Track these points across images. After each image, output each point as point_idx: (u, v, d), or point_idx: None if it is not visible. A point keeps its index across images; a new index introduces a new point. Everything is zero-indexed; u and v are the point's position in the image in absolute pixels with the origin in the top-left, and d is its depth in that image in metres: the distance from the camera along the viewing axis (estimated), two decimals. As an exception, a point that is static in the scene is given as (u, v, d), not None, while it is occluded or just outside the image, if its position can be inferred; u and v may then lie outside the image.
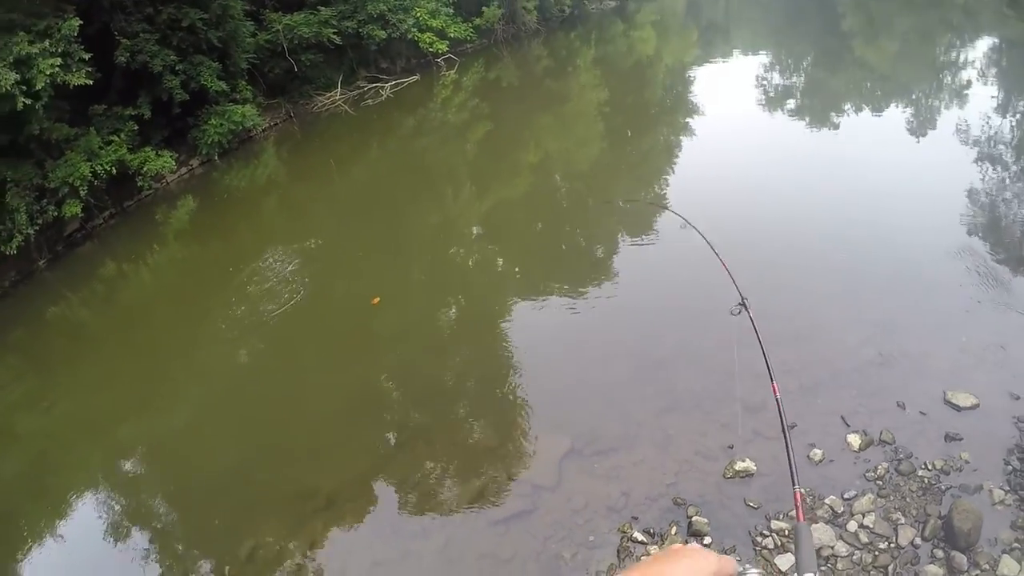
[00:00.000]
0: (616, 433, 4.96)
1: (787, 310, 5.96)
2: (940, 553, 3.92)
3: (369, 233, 10.88)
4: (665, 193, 9.85)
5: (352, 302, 8.88)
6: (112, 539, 6.13)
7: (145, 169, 15.03)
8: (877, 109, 10.95)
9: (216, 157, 16.24)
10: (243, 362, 8.55)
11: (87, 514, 6.68)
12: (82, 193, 13.98)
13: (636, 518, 4.36)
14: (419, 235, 9.61)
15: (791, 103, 12.08)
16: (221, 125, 15.80)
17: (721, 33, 19.16)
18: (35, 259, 14.63)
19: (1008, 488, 4.23)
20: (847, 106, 11.36)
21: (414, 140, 15.14)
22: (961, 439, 4.59)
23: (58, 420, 9.45)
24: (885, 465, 4.47)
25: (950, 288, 6.02)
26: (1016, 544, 3.90)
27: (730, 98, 12.45)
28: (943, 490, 4.28)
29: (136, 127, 15.24)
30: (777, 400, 2.56)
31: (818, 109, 11.54)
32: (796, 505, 2.52)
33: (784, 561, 3.96)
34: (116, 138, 14.86)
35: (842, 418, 4.82)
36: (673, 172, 10.58)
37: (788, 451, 2.43)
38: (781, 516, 4.26)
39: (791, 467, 2.43)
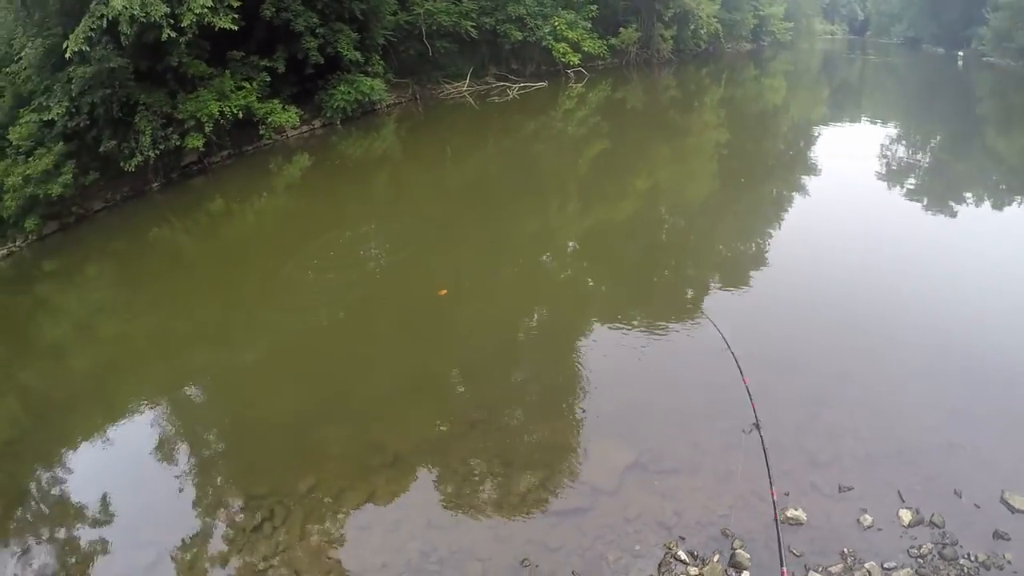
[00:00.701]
0: (682, 457, 5.44)
1: (870, 373, 6.29)
2: None
3: (469, 224, 11.65)
4: (766, 250, 9.96)
5: (438, 284, 9.51)
6: (163, 454, 6.92)
7: (270, 119, 16.48)
8: (999, 203, 10.63)
9: (338, 122, 17.60)
10: (324, 317, 9.33)
11: (143, 424, 7.58)
12: (207, 129, 15.56)
13: (683, 538, 4.80)
14: (516, 237, 10.23)
15: (911, 181, 11.90)
16: (349, 93, 17.08)
17: (852, 96, 18.90)
18: (150, 180, 16.39)
19: None
20: (968, 195, 11.08)
21: (530, 144, 15.90)
22: (1009, 539, 4.69)
23: (137, 331, 10.69)
24: (930, 546, 4.66)
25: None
26: None
27: (851, 163, 12.39)
28: None
29: (268, 79, 16.82)
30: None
31: (938, 192, 11.34)
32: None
33: None
34: (248, 85, 16.37)
35: (898, 492, 5.07)
36: (779, 228, 10.67)
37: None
38: (820, 569, 4.53)
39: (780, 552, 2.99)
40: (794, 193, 12.00)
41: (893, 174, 12.19)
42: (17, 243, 15.37)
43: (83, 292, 13.52)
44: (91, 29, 14.02)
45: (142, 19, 13.80)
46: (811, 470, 5.25)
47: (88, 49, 14.23)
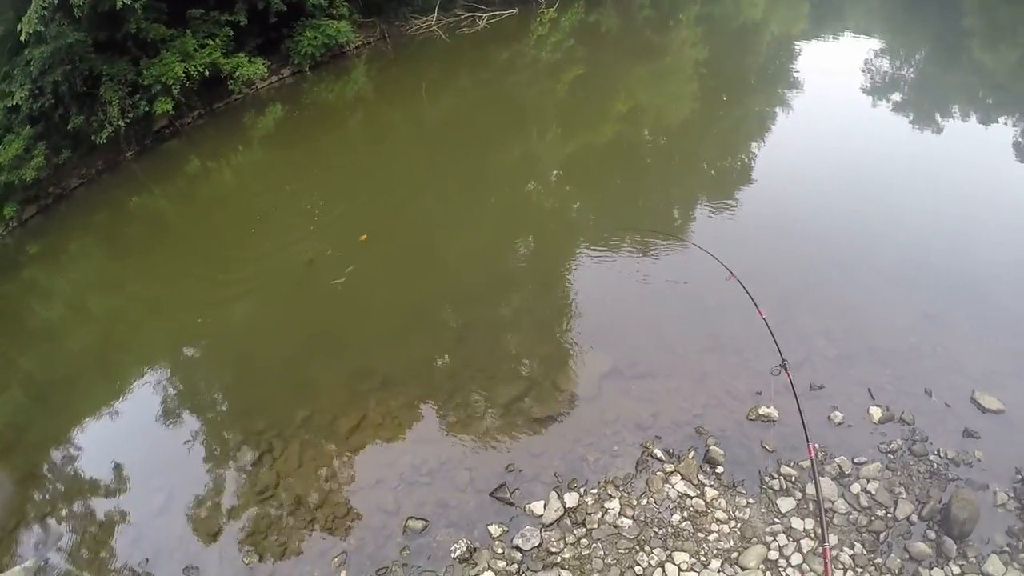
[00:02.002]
0: (657, 362, 5.84)
1: (847, 280, 6.51)
2: (932, 535, 4.35)
3: (450, 159, 11.91)
4: (752, 164, 10.07)
5: (423, 219, 9.94)
6: (166, 407, 7.50)
7: (237, 74, 16.42)
8: (985, 118, 10.57)
9: (307, 69, 17.52)
10: (310, 259, 9.62)
11: (144, 382, 8.17)
12: (174, 92, 15.56)
13: (659, 438, 5.26)
14: (498, 167, 10.41)
15: (896, 95, 11.79)
16: (315, 38, 17.23)
17: (834, 10, 18.46)
18: (123, 150, 16.51)
19: (1013, 495, 4.52)
20: (954, 109, 11.01)
21: (505, 75, 15.91)
22: (979, 438, 4.91)
23: (128, 298, 11.19)
24: (900, 442, 4.98)
25: (1014, 299, 6.20)
26: (1007, 548, 4.23)
27: (834, 78, 12.31)
28: (949, 479, 4.69)
29: (231, 33, 16.74)
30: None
31: (924, 107, 11.25)
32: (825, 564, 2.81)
33: (785, 503, 4.67)
34: (211, 42, 16.38)
35: (869, 391, 5.39)
36: (763, 144, 10.69)
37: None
38: (792, 464, 4.94)
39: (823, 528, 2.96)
40: (777, 109, 11.96)
41: (877, 88, 12.10)
42: (-1, 232, 15.70)
43: (70, 270, 13.99)
44: (43, 7, 14.01)
45: (95, -11, 13.84)
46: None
47: (43, 28, 14.27)
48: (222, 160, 15.26)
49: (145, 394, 8.15)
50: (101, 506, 6.54)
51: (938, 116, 10.60)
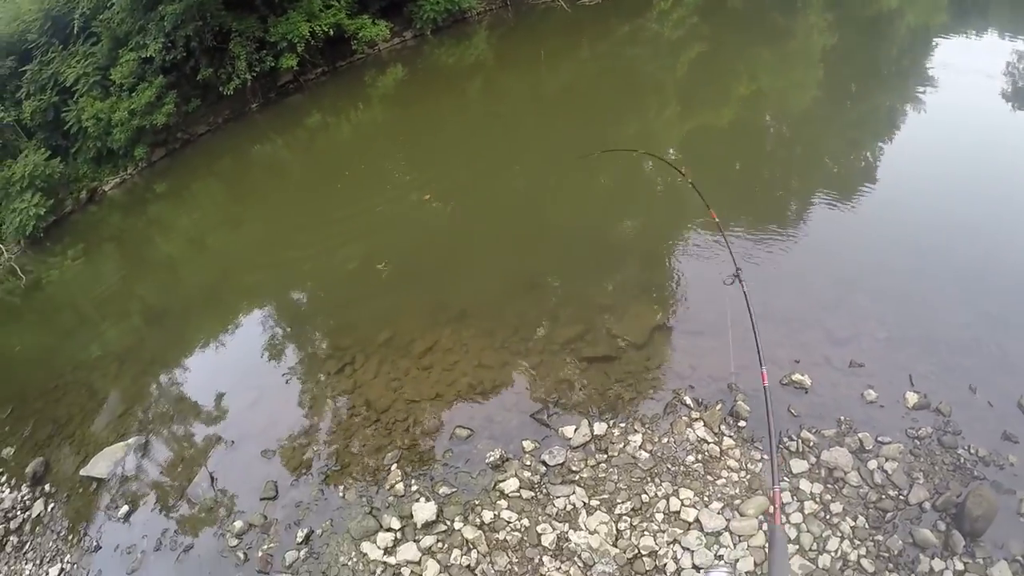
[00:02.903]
0: (708, 321, 6.63)
1: (911, 274, 7.01)
2: (942, 526, 4.68)
3: (563, 129, 13.01)
4: (877, 162, 10.18)
5: (525, 180, 11.32)
6: (266, 327, 9.44)
7: (361, 34, 18.47)
8: None
9: (429, 32, 19.28)
10: (411, 209, 11.39)
11: (250, 308, 10.20)
12: (299, 49, 17.84)
13: (692, 387, 6.19)
14: (614, 142, 11.16)
15: None
16: (438, 3, 18.97)
17: (979, 5, 17.59)
18: (248, 102, 19.14)
19: None
20: None
21: (626, 48, 16.84)
22: (1017, 443, 5.14)
23: (243, 237, 13.42)
24: (929, 430, 5.40)
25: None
26: (1020, 558, 4.44)
27: (972, 77, 12.05)
28: (974, 476, 4.95)
29: None
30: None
31: None
32: (775, 505, 3.20)
33: (798, 465, 5.35)
34: (336, 3, 18.54)
35: (909, 376, 5.85)
36: (891, 142, 10.74)
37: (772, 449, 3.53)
38: (814, 431, 5.58)
39: (773, 465, 3.29)
40: (908, 106, 11.77)
41: (1019, 92, 11.80)
42: (128, 171, 19.10)
43: (193, 208, 16.71)
44: None
45: (229, -53, 16.26)
46: (827, 345, 6.25)
47: None
48: (342, 115, 17.47)
49: (251, 314, 10.27)
50: (201, 398, 8.46)
51: None
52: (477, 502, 5.62)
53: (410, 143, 14.44)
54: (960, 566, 4.47)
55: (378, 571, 5.34)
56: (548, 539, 5.18)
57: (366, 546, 5.54)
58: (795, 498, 5.13)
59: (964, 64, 12.79)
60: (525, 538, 5.25)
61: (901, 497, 4.99)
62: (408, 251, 10.08)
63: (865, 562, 4.64)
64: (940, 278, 6.94)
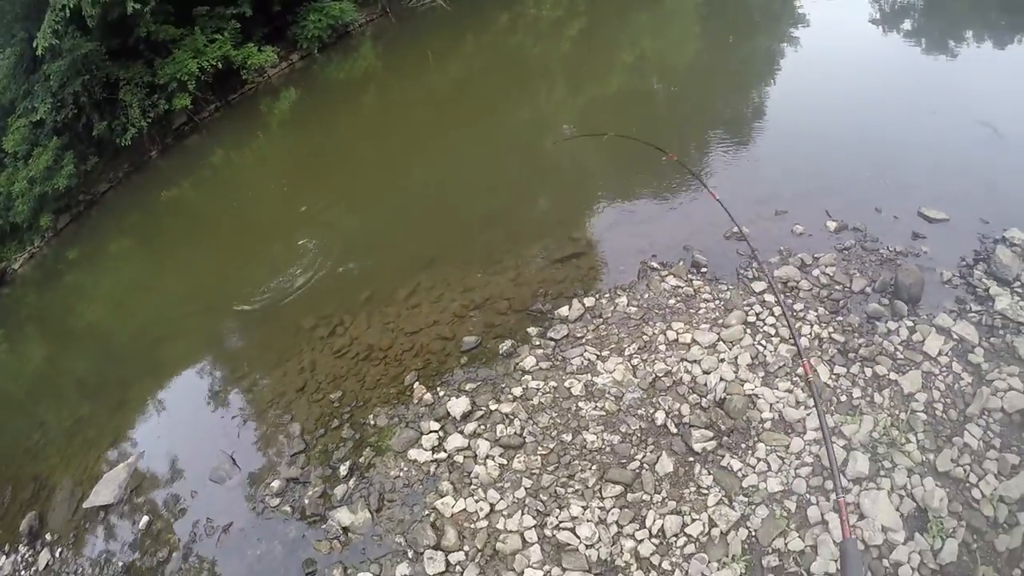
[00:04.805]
0: (654, 211, 7.78)
1: (812, 150, 8.24)
2: (885, 300, 5.76)
3: (463, 122, 13.59)
4: (765, 103, 10.96)
5: (449, 173, 11.62)
6: (243, 325, 9.44)
7: (249, 63, 18.63)
8: (1000, 42, 10.99)
9: (316, 51, 19.71)
10: (348, 222, 11.56)
11: (222, 323, 10.05)
12: (190, 87, 17.79)
13: (655, 255, 7.11)
14: (512, 126, 12.15)
15: (906, 23, 12.54)
16: (320, 20, 19.37)
17: None
18: (147, 150, 18.89)
19: (958, 275, 5.83)
20: (968, 34, 11.35)
21: (509, 36, 17.82)
22: (925, 238, 6.33)
23: (169, 285, 12.88)
24: (852, 242, 6.59)
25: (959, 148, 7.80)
26: (955, 309, 5.52)
27: (841, 10, 13.34)
28: (898, 264, 6.02)
29: (238, 25, 18.97)
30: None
31: (934, 34, 11.82)
32: (841, 518, 3.36)
33: (758, 286, 6.36)
34: (220, 36, 18.66)
35: (826, 211, 7.06)
36: (774, 83, 11.59)
37: (830, 456, 3.75)
38: (763, 262, 6.55)
39: (835, 475, 3.67)
40: (784, 45, 12.92)
41: (887, 16, 13.11)
42: (36, 244, 18.25)
43: (110, 270, 16.01)
44: (55, 22, 16.24)
45: (103, -1, 15.91)
46: (753, 205, 7.36)
47: (57, 42, 16.48)
48: (244, 148, 17.40)
49: (220, 324, 10.22)
50: (193, 399, 8.55)
51: (951, 42, 11.21)
52: (503, 384, 6.19)
53: (316, 163, 14.63)
54: (910, 323, 5.53)
55: (432, 469, 5.76)
56: (577, 389, 5.82)
57: (413, 453, 5.94)
58: (764, 307, 6.11)
59: None
60: (557, 395, 5.86)
61: (846, 288, 6.10)
62: (357, 235, 10.53)
63: (836, 336, 5.62)
64: (832, 148, 8.17)
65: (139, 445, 8.43)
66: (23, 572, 7.52)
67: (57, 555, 7.48)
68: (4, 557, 7.88)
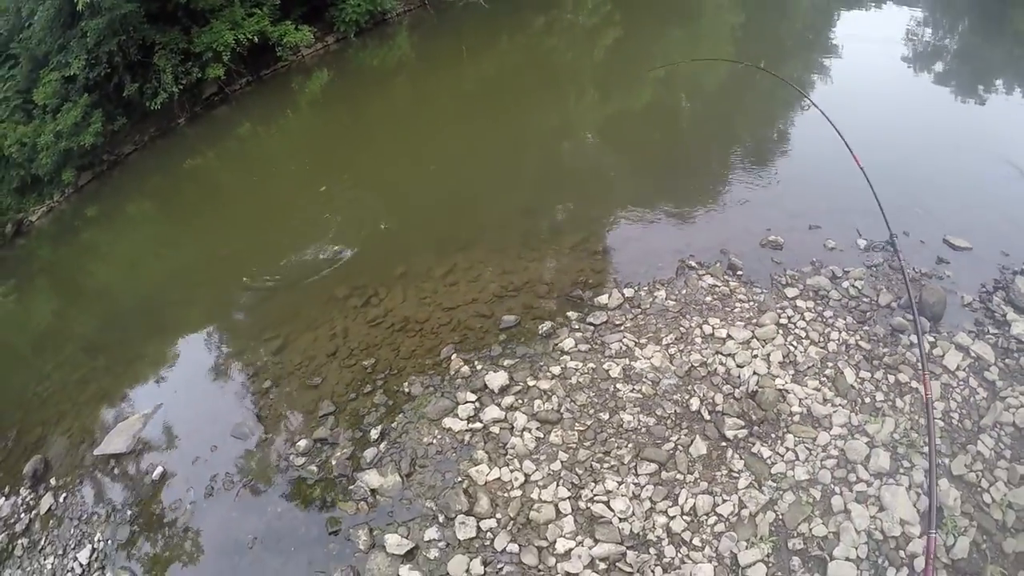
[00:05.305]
0: (696, 211, 8.11)
1: (850, 171, 8.40)
2: (909, 316, 5.94)
3: (490, 120, 13.83)
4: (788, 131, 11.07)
5: (480, 164, 11.86)
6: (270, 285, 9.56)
7: (285, 40, 18.78)
8: None
9: (352, 35, 19.91)
10: (378, 202, 11.56)
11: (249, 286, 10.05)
12: (225, 58, 17.93)
13: (693, 255, 7.37)
14: (537, 129, 12.31)
15: (939, 65, 12.81)
16: (359, 5, 19.55)
17: None
18: (175, 116, 19.02)
19: (978, 300, 6.14)
20: (999, 81, 11.57)
21: (543, 39, 18.13)
22: (949, 263, 6.64)
23: (184, 254, 13.03)
24: (881, 260, 6.92)
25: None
26: (974, 330, 5.81)
27: (874, 46, 13.40)
28: (922, 285, 6.30)
29: (277, 2, 19.08)
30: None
31: (966, 77, 12.03)
32: (928, 557, 3.84)
33: (791, 292, 6.63)
34: (258, 11, 18.81)
35: (857, 230, 7.36)
36: (803, 112, 11.37)
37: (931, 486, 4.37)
38: (796, 270, 6.93)
39: (931, 508, 4.13)
40: (815, 76, 13.02)
41: (919, 57, 13.04)
42: (55, 199, 18.38)
43: (129, 230, 16.21)
44: None
45: (148, -41, 16.15)
46: (787, 218, 7.70)
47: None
48: (271, 123, 17.60)
49: (243, 287, 10.19)
50: (216, 360, 8.73)
51: (980, 87, 11.45)
52: (542, 363, 6.40)
53: (342, 146, 14.74)
54: (931, 339, 5.83)
55: (467, 438, 5.96)
56: (615, 371, 6.05)
57: (447, 421, 6.13)
58: (796, 311, 6.39)
59: (863, 33, 14.24)
60: (595, 376, 6.09)
61: (873, 301, 6.40)
62: (388, 214, 10.64)
63: (862, 343, 5.90)
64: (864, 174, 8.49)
65: (157, 397, 8.50)
66: (23, 515, 7.54)
67: (61, 500, 7.50)
68: (3, 499, 7.91)
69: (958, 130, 9.49)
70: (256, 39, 17.91)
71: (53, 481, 7.80)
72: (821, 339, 6.01)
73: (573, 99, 14.34)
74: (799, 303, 6.49)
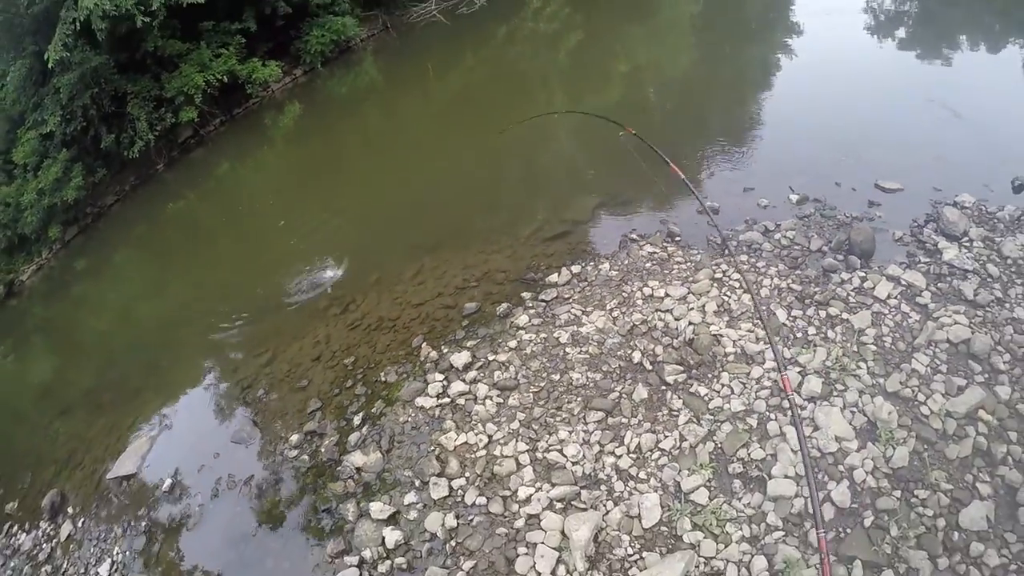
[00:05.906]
0: (632, 195, 8.86)
1: (783, 133, 9.45)
2: (840, 257, 6.61)
3: (462, 130, 14.63)
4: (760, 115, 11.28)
5: (449, 175, 12.49)
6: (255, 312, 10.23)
7: (253, 77, 19.53)
8: (993, 47, 11.62)
9: (319, 66, 20.68)
10: (354, 223, 12.35)
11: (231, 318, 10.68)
12: (196, 100, 18.67)
13: (635, 229, 8.14)
14: (499, 137, 12.38)
15: (900, 31, 13.25)
16: (323, 35, 20.30)
17: None
18: (154, 162, 19.84)
19: (909, 234, 6.68)
20: (962, 38, 12.00)
21: (507, 48, 18.88)
22: (880, 204, 7.23)
23: (176, 294, 13.57)
24: (812, 210, 7.57)
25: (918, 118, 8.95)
26: (905, 261, 6.38)
27: (836, 18, 14.00)
28: (853, 228, 6.84)
29: (243, 40, 19.85)
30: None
31: (929, 40, 12.52)
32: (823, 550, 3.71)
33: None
34: (225, 51, 19.50)
35: (790, 187, 8.03)
36: (771, 91, 12.13)
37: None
38: (731, 229, 7.64)
39: (816, 512, 3.93)
40: (779, 55, 13.55)
41: (881, 25, 13.59)
42: (44, 256, 19.13)
43: (117, 280, 16.86)
44: (66, 35, 17.18)
45: (113, 12, 16.96)
46: (724, 183, 8.49)
47: (68, 55, 17.39)
48: (248, 160, 18.33)
49: (229, 323, 10.84)
50: (210, 379, 9.47)
51: (945, 48, 11.85)
52: (500, 339, 7.09)
53: (318, 178, 15.37)
54: (862, 274, 6.41)
55: (437, 412, 6.61)
56: (564, 337, 6.73)
57: (420, 400, 6.79)
58: (731, 266, 7.05)
59: (824, 6, 14.71)
60: (547, 344, 6.77)
61: (805, 247, 7.02)
62: (364, 232, 11.49)
63: (793, 286, 6.53)
64: (798, 134, 9.34)
65: (161, 420, 9.22)
66: (44, 544, 8.13)
67: (79, 525, 8.10)
68: (24, 534, 8.53)
69: (895, 81, 10.31)
70: (226, 79, 18.68)
71: (70, 509, 8.43)
72: (754, 287, 6.65)
73: (539, 106, 14.96)
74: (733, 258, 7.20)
